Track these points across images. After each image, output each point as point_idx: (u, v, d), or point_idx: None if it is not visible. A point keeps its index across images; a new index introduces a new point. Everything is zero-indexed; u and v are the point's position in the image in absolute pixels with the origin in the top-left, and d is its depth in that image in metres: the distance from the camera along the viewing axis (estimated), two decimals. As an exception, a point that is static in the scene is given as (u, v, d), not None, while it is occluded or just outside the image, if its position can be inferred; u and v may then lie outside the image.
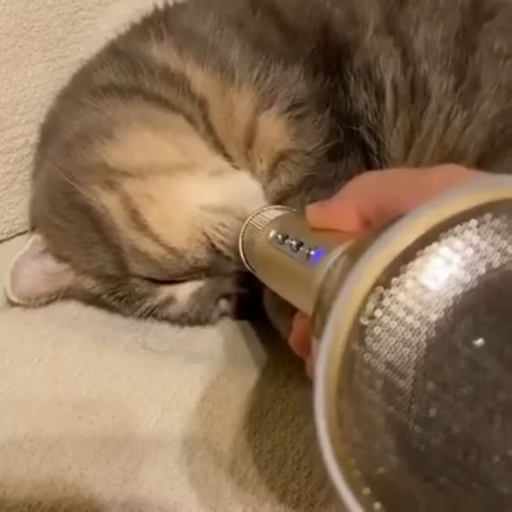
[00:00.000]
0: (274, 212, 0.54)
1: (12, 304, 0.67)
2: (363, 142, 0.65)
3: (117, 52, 0.72)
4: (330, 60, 0.67)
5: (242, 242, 0.56)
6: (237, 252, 0.60)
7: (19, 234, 0.81)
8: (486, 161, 0.60)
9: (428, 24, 0.65)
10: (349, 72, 0.66)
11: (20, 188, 0.80)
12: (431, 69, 0.63)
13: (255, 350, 0.64)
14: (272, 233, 0.47)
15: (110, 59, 0.71)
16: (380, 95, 0.65)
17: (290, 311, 0.58)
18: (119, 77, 0.69)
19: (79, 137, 0.66)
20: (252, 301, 0.65)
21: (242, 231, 0.56)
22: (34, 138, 0.78)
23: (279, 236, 0.45)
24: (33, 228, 0.70)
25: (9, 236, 0.81)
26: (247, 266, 0.56)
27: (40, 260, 0.67)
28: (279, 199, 0.66)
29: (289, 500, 0.50)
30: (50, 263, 0.66)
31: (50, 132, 0.73)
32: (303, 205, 0.62)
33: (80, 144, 0.65)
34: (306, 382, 0.57)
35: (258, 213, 0.55)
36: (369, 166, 0.65)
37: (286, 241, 0.43)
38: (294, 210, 0.55)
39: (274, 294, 0.61)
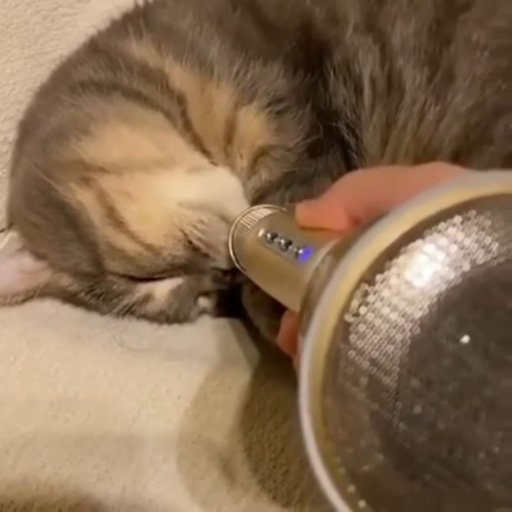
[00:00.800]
0: (264, 211, 0.54)
1: (-12, 303, 0.67)
2: (341, 138, 0.65)
3: (96, 48, 0.72)
4: (310, 56, 0.67)
5: (232, 241, 0.56)
6: (216, 249, 0.60)
7: (-3, 231, 0.80)
8: (461, 156, 0.60)
9: (403, 20, 0.64)
10: (329, 68, 0.66)
11: (-1, 186, 0.79)
12: (405, 63, 0.63)
13: (234, 348, 0.64)
14: (261, 232, 0.48)
15: (89, 55, 0.71)
16: (358, 91, 0.65)
17: (270, 308, 0.58)
18: (98, 74, 0.69)
19: (55, 133, 0.65)
20: (231, 299, 0.65)
21: (231, 230, 0.56)
22: (12, 135, 0.77)
23: (268, 235, 0.45)
24: (10, 225, 0.69)
25: (-13, 234, 0.80)
26: (237, 265, 0.56)
27: (17, 258, 0.66)
28: (259, 196, 0.66)
29: (265, 498, 0.50)
30: (26, 261, 0.66)
31: (28, 129, 0.73)
32: (283, 201, 0.63)
33: (56, 140, 0.64)
34: (285, 380, 0.57)
35: (248, 212, 0.55)
36: (348, 161, 0.65)
37: (275, 240, 0.44)
38: (283, 209, 0.55)
39: (253, 292, 0.61)
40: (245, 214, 0.55)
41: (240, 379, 0.59)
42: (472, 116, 0.60)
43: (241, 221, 0.55)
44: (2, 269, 0.66)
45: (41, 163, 0.64)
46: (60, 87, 0.71)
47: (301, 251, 0.38)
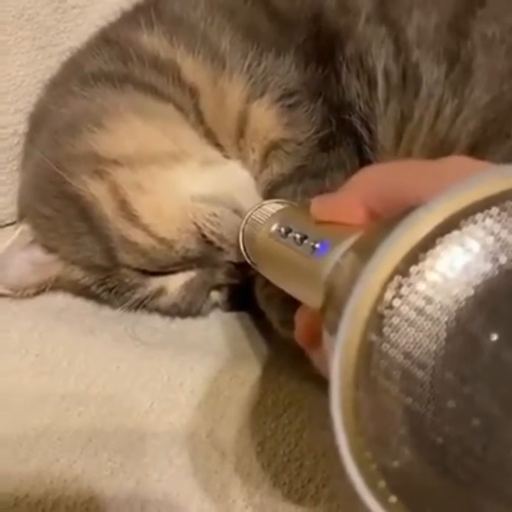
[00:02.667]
0: (275, 206, 0.53)
1: (-1, 295, 0.67)
2: (354, 131, 0.65)
3: (107, 40, 0.71)
4: (322, 48, 0.67)
5: (243, 236, 0.56)
6: (230, 243, 0.60)
7: (8, 224, 0.80)
8: (478, 151, 0.59)
9: (421, 11, 0.64)
10: (341, 60, 0.65)
11: (9, 178, 0.79)
12: (423, 56, 0.62)
13: (247, 342, 0.64)
14: (274, 227, 0.47)
15: (100, 47, 0.71)
16: (371, 84, 0.64)
17: (282, 302, 0.58)
18: (109, 66, 0.68)
19: (67, 126, 0.65)
20: (243, 293, 0.65)
21: (242, 225, 0.56)
22: (23, 127, 0.77)
23: (282, 229, 0.45)
24: (21, 218, 0.69)
25: (-2, 226, 0.80)
26: (247, 260, 0.56)
27: (28, 251, 0.66)
28: (271, 189, 0.65)
29: (279, 492, 0.50)
30: (38, 253, 0.66)
31: (38, 121, 0.72)
32: (295, 195, 0.63)
33: (68, 132, 0.64)
34: (298, 374, 0.57)
35: (259, 207, 0.54)
36: (361, 155, 0.65)
37: (290, 234, 0.43)
38: (294, 203, 0.55)
39: (266, 285, 0.61)
40: (256, 209, 0.54)
41: (252, 373, 0.59)
42: (489, 111, 0.60)
43: (252, 216, 0.54)
44: (13, 262, 0.66)
45: (53, 155, 0.64)
46: (70, 79, 0.70)
47: (317, 245, 0.37)
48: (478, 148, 0.60)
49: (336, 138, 0.65)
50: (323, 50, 0.67)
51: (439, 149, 0.62)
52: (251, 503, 0.49)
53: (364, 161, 0.65)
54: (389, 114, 0.64)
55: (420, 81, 0.62)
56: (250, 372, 0.59)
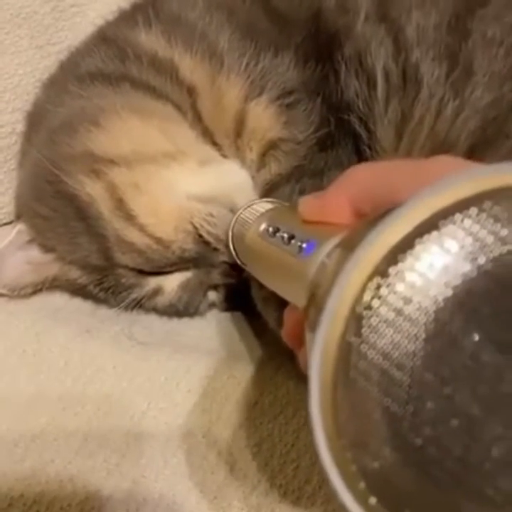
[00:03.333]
0: (265, 205, 0.53)
1: (-4, 295, 0.66)
2: (353, 131, 0.64)
3: (105, 38, 0.71)
4: (321, 47, 0.66)
5: (232, 235, 0.55)
6: (225, 243, 0.60)
7: (6, 223, 0.80)
8: (478, 150, 0.59)
9: (421, 11, 0.64)
10: (340, 59, 0.65)
11: (7, 177, 0.79)
12: (423, 56, 0.62)
13: (244, 342, 0.64)
14: (262, 226, 0.47)
15: (98, 46, 0.70)
16: (371, 83, 0.64)
17: (278, 302, 0.58)
18: (107, 64, 0.68)
19: (64, 125, 0.65)
20: (240, 293, 0.65)
21: (231, 224, 0.55)
22: (20, 126, 0.77)
23: (270, 229, 0.45)
24: (19, 217, 0.69)
25: (-4, 226, 0.80)
26: (236, 259, 0.56)
27: (25, 250, 0.66)
28: (269, 189, 0.65)
29: (275, 493, 0.50)
30: (35, 253, 0.66)
31: (36, 120, 0.72)
32: (292, 194, 0.62)
33: (65, 131, 0.64)
34: (294, 374, 0.57)
35: (248, 206, 0.54)
36: (360, 155, 0.65)
37: (278, 234, 0.43)
38: (285, 203, 0.55)
39: (263, 286, 0.61)
40: (246, 208, 0.54)
41: (249, 373, 0.59)
42: (490, 111, 0.60)
43: (241, 215, 0.54)
44: (10, 262, 0.65)
45: (50, 154, 0.63)
46: (68, 78, 0.70)
47: (304, 245, 0.37)
48: (478, 149, 0.59)
49: (335, 137, 0.65)
50: (322, 49, 0.66)
51: (439, 150, 0.62)
52: (247, 504, 0.49)
53: (363, 161, 0.64)
54: (389, 114, 0.63)
55: (421, 81, 0.62)
56: (247, 373, 0.59)
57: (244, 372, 0.59)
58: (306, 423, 0.54)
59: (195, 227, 0.60)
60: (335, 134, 0.65)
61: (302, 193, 0.62)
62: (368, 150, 0.64)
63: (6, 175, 0.79)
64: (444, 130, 0.62)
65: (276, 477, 0.51)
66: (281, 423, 0.54)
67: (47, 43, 0.80)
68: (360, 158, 0.65)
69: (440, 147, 0.62)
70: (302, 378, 0.39)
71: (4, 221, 0.80)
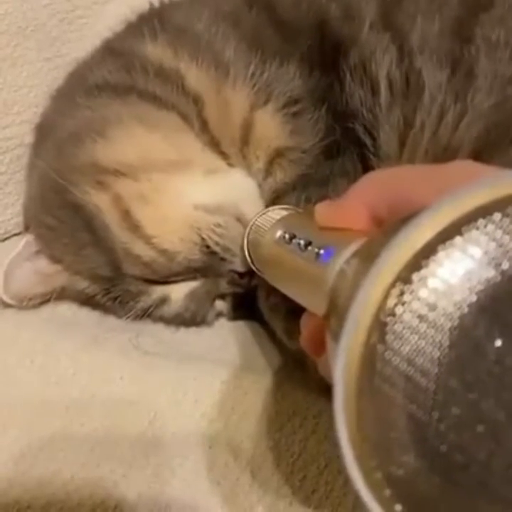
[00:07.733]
0: (280, 212, 0.53)
1: (5, 305, 0.67)
2: (358, 139, 0.64)
3: (112, 50, 0.72)
4: (326, 56, 0.67)
5: (247, 242, 0.55)
6: (232, 252, 0.60)
7: (15, 235, 0.81)
8: (482, 155, 0.59)
9: (425, 18, 0.63)
10: (345, 68, 0.65)
11: (16, 189, 0.79)
12: (426, 62, 0.62)
13: (250, 352, 0.64)
14: (278, 233, 0.47)
15: (105, 57, 0.71)
16: (375, 91, 0.64)
17: (286, 312, 0.58)
18: (113, 76, 0.68)
19: (71, 136, 0.65)
20: (247, 302, 0.65)
21: (246, 232, 0.56)
22: (29, 138, 0.77)
23: (287, 235, 0.45)
24: (27, 229, 0.69)
25: (5, 237, 0.81)
26: (252, 267, 0.55)
27: (33, 261, 0.66)
28: (275, 197, 0.65)
29: (282, 503, 0.49)
30: (43, 264, 0.66)
31: (43, 132, 0.73)
32: (299, 203, 0.62)
33: (72, 142, 0.64)
34: (302, 384, 0.56)
35: (263, 213, 0.54)
36: (365, 163, 0.64)
37: (294, 240, 0.43)
38: (299, 210, 0.55)
39: (269, 295, 0.61)
40: (261, 215, 0.54)
41: (256, 383, 0.59)
42: (493, 116, 0.59)
43: (256, 222, 0.54)
44: (18, 272, 0.66)
45: (57, 166, 0.64)
46: (75, 89, 0.71)
47: (321, 251, 0.37)
48: (482, 154, 0.59)
49: (340, 146, 0.65)
50: (327, 58, 0.67)
51: (442, 155, 0.62)
52: (254, 516, 0.49)
53: (368, 169, 0.64)
54: (391, 120, 0.63)
55: (423, 87, 0.62)
56: (254, 382, 0.59)
57: (251, 383, 0.59)
58: (313, 432, 0.54)
59: (202, 238, 0.60)
60: (340, 142, 0.65)
61: (308, 201, 0.62)
62: (372, 157, 0.64)
63: (15, 186, 0.79)
64: (446, 135, 0.62)
65: (283, 487, 0.50)
66: (288, 433, 0.54)
67: (55, 55, 0.81)
68: (365, 165, 0.64)
69: (443, 152, 0.62)
70: (317, 387, 0.38)
71: (13, 232, 0.81)
